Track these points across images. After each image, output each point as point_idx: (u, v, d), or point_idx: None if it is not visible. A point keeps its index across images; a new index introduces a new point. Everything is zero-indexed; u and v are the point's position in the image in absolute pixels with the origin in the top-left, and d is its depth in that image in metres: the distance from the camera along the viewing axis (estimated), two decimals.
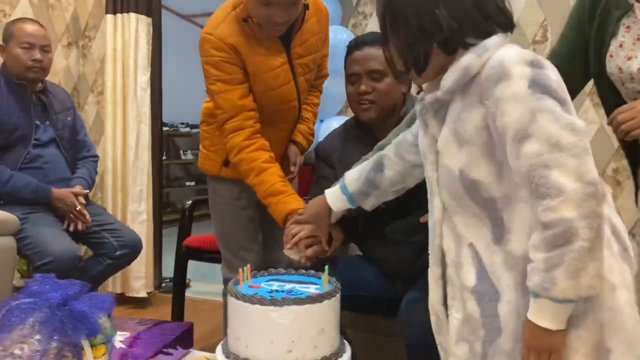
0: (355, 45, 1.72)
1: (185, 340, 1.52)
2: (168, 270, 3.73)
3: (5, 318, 1.00)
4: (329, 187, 1.78)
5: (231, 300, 1.19)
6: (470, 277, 1.04)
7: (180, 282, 2.62)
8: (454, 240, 1.09)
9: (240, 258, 1.82)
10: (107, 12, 3.23)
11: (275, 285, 1.26)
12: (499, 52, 0.98)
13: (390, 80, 1.67)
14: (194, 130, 7.57)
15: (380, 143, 1.56)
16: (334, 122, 2.76)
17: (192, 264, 2.66)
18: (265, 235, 1.93)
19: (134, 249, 2.51)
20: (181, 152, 7.38)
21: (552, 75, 0.94)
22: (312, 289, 1.23)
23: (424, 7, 1.01)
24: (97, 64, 3.50)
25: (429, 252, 1.16)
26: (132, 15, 3.18)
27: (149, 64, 3.27)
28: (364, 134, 1.76)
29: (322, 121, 2.78)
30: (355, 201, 1.43)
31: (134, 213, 3.23)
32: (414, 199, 1.49)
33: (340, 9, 2.84)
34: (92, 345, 1.03)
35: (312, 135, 2.01)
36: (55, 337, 0.98)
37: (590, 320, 0.93)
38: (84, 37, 3.54)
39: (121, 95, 3.22)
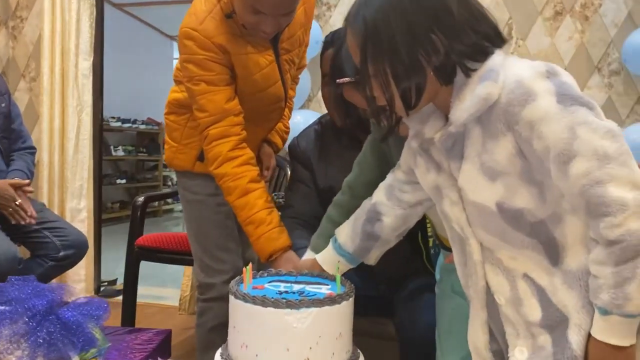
0: (331, 42, 1.58)
1: (165, 349, 1.36)
2: (104, 273, 3.49)
3: None
4: (306, 192, 1.66)
5: (236, 303, 1.05)
6: (535, 311, 0.96)
7: (131, 285, 2.41)
8: (504, 276, 0.99)
9: (218, 259, 1.67)
10: None
11: (282, 287, 1.13)
12: (509, 71, 0.91)
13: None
14: (125, 125, 7.19)
15: (347, 180, 1.42)
16: (297, 116, 2.66)
17: None
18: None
19: (79, 249, 2.30)
20: (111, 147, 6.97)
21: (569, 79, 0.90)
22: (324, 290, 1.12)
23: (417, 31, 0.91)
24: (30, 47, 3.19)
25: (465, 286, 1.07)
26: None
27: (91, 49, 3.02)
28: (345, 135, 1.64)
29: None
30: (356, 259, 1.28)
31: (73, 210, 2.98)
32: None
33: None
34: None
35: (287, 133, 1.87)
36: (41, 353, 0.81)
37: None
38: (15, 17, 3.22)
39: (59, 82, 2.96)
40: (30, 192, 2.21)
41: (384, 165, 1.32)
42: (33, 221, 2.16)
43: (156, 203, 7.40)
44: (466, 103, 0.93)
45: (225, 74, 1.48)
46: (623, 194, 0.81)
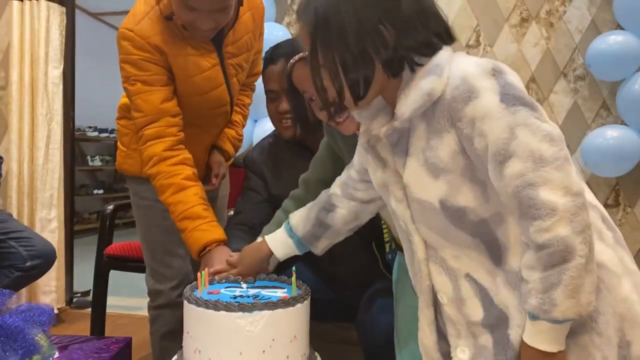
0: (270, 59, 1.58)
1: (124, 357, 1.35)
2: (79, 284, 3.44)
3: None
4: (257, 199, 1.67)
5: (189, 308, 1.05)
6: (476, 312, 0.95)
7: (100, 295, 2.37)
8: (447, 276, 0.99)
9: (166, 265, 1.64)
10: None
11: (237, 291, 1.13)
12: (455, 67, 0.91)
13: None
14: (103, 135, 7.13)
15: (303, 176, 1.45)
16: (269, 123, 2.64)
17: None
18: None
19: (47, 259, 2.27)
20: (88, 157, 6.90)
21: (514, 79, 0.90)
22: (280, 293, 1.11)
23: (366, 22, 0.91)
24: (0, 55, 3.15)
25: (415, 292, 1.06)
26: (43, 2, 2.91)
27: (61, 57, 2.99)
28: (296, 146, 1.66)
29: (255, 121, 2.66)
30: (304, 245, 1.27)
31: (43, 221, 2.93)
32: None
33: (274, 5, 2.75)
34: None
35: (241, 141, 1.85)
36: None
37: (609, 316, 0.88)
38: None
39: (29, 91, 2.93)
40: None
41: (338, 163, 1.34)
42: None
43: None
44: (410, 98, 0.93)
45: (161, 74, 1.47)
46: (554, 198, 0.81)
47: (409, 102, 0.93)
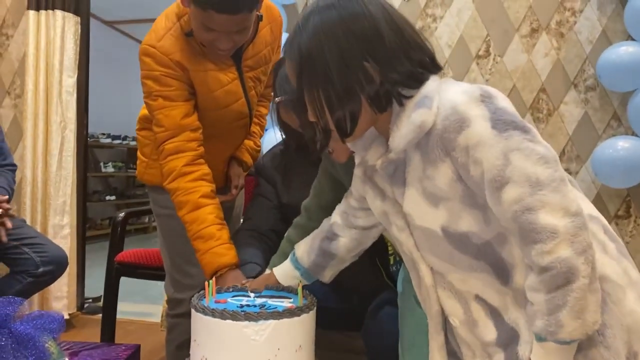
0: (279, 68, 1.56)
1: None
2: (90, 289, 3.48)
3: None
4: (267, 206, 1.68)
5: (197, 317, 1.06)
6: (489, 332, 0.96)
7: (111, 301, 2.40)
8: (457, 299, 1.00)
9: (187, 274, 1.66)
10: (29, 7, 2.99)
11: (244, 300, 1.14)
12: (444, 96, 0.91)
13: None
14: (116, 142, 7.21)
15: (304, 203, 1.46)
16: (278, 133, 2.67)
17: None
18: None
19: (59, 265, 2.29)
20: (101, 164, 6.98)
21: (504, 103, 0.90)
22: (286, 303, 1.12)
23: (350, 59, 0.91)
24: (16, 64, 3.21)
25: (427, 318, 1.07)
26: (59, 12, 2.96)
27: (76, 65, 3.04)
28: (306, 152, 1.67)
29: (265, 130, 2.68)
30: (311, 276, 1.27)
31: (55, 227, 2.97)
32: None
33: (285, 15, 2.77)
34: None
35: (258, 151, 1.88)
36: None
37: (616, 329, 0.88)
38: (1, 34, 3.24)
39: (44, 99, 2.97)
40: (9, 209, 2.20)
41: (338, 188, 1.35)
42: (4, 239, 2.15)
43: (146, 219, 7.39)
44: (402, 130, 0.93)
45: (183, 89, 1.49)
46: (554, 221, 0.82)
47: (402, 134, 0.94)
